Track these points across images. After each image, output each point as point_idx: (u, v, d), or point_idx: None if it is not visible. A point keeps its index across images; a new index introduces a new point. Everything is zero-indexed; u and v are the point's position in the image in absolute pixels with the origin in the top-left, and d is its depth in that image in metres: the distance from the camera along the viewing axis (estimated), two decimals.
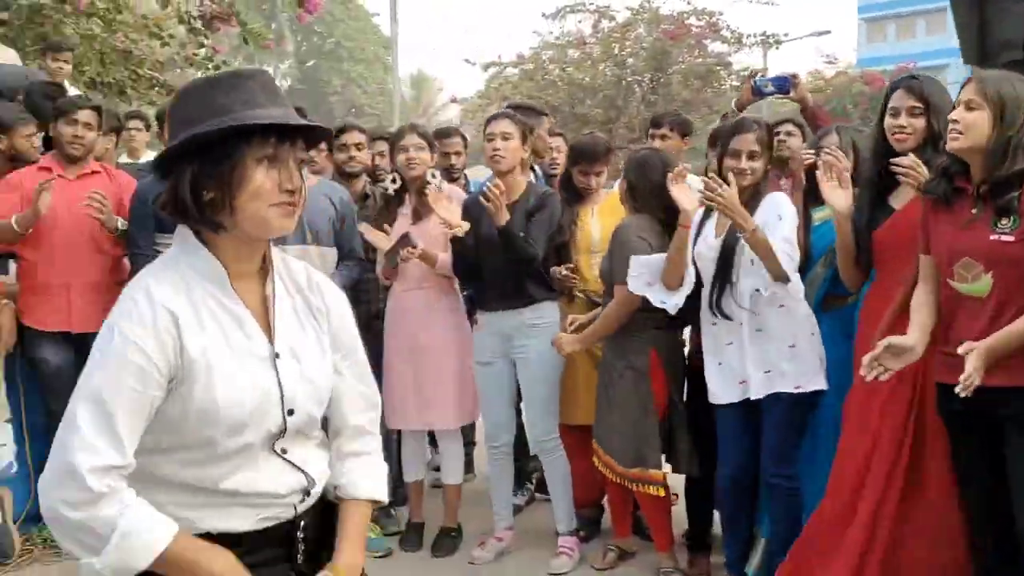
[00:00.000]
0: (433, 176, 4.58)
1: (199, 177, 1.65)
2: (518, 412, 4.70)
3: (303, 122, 1.69)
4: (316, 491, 1.83)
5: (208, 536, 1.67)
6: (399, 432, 4.69)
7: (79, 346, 4.54)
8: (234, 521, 1.70)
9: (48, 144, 4.86)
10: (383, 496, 1.94)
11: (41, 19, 7.88)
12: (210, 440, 1.65)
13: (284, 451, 1.77)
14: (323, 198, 4.34)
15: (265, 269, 1.79)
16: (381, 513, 4.83)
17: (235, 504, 1.70)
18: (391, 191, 4.76)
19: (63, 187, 4.57)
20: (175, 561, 1.58)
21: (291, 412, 1.74)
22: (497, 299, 4.38)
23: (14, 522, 4.58)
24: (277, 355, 1.73)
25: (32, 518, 4.62)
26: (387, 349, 4.61)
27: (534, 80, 18.76)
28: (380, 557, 4.43)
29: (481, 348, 4.47)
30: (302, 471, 1.79)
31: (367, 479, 1.92)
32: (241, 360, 1.68)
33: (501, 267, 4.28)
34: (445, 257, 4.45)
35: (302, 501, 1.80)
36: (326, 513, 1.88)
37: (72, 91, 7.23)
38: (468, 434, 5.25)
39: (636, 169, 4.15)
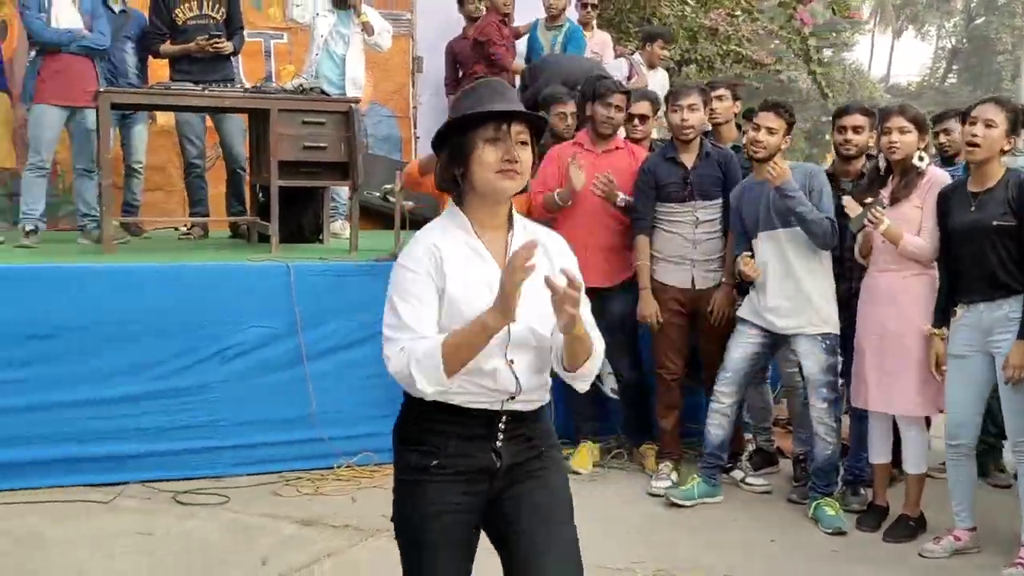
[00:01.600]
0: (920, 159, 4.46)
1: (450, 157, 2.27)
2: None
3: (510, 108, 2.22)
4: (521, 398, 2.29)
5: (429, 405, 2.24)
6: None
7: (590, 299, 5.28)
8: (458, 396, 2.24)
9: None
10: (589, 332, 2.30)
11: (643, 2, 8.83)
12: None
13: (512, 361, 2.25)
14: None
15: (509, 225, 2.35)
16: (848, 490, 4.90)
17: (466, 383, 2.22)
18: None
19: (590, 160, 5.29)
20: (457, 348, 2.14)
21: (514, 321, 2.17)
22: (977, 291, 4.16)
23: None
24: None
25: None
26: (857, 328, 4.62)
27: None
28: (831, 534, 4.51)
29: (956, 340, 4.28)
30: (515, 377, 2.26)
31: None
32: (480, 278, 2.24)
33: (980, 258, 4.07)
34: (914, 239, 4.33)
35: (509, 400, 2.28)
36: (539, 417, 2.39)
37: (658, 75, 8.10)
38: None
39: None
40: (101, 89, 5.59)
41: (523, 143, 2.25)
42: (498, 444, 2.31)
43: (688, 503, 4.81)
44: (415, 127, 8.61)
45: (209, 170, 7.14)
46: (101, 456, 4.87)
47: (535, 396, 2.36)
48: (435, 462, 2.28)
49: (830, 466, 4.72)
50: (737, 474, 5.21)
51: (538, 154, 2.36)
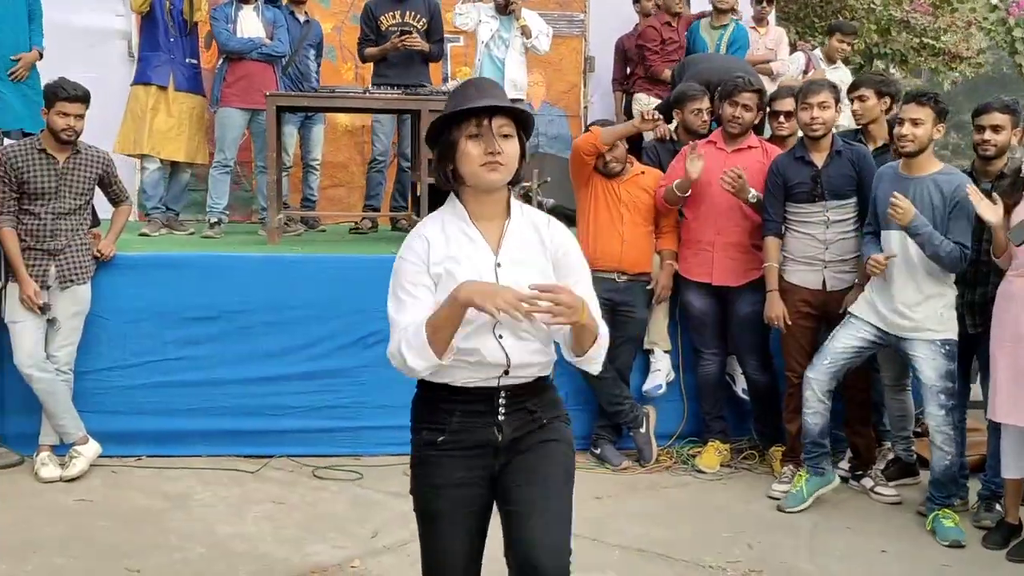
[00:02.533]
0: None
1: (440, 156, 2.44)
2: None
3: (485, 103, 2.35)
4: (514, 373, 2.43)
5: (435, 385, 2.44)
6: None
7: (718, 297, 5.30)
8: (458, 374, 2.42)
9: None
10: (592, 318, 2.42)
11: None
12: None
13: (500, 336, 2.40)
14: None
15: (507, 213, 2.49)
16: (982, 505, 4.67)
17: (461, 363, 2.39)
18: None
19: (720, 158, 5.28)
20: (438, 324, 2.30)
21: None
22: None
23: (671, 439, 5.60)
24: (499, 264, 2.42)
25: (680, 437, 5.60)
26: (992, 336, 4.40)
27: None
28: (948, 547, 4.33)
29: None
30: (505, 353, 2.40)
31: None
32: (473, 264, 2.40)
33: None
34: None
35: (504, 375, 2.42)
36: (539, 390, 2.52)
37: (838, 70, 7.88)
38: None
39: None
40: (267, 93, 6.08)
41: (506, 136, 2.38)
42: (499, 418, 2.46)
43: (798, 508, 4.73)
44: (585, 126, 8.72)
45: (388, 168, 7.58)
46: (253, 430, 5.34)
47: (531, 369, 2.48)
48: (441, 438, 2.46)
49: (948, 477, 4.52)
50: (867, 482, 5.06)
51: (524, 149, 2.46)
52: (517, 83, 6.89)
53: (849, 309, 4.75)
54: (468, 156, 2.37)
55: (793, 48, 8.64)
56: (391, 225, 7.35)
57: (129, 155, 6.71)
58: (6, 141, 5.41)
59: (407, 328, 2.36)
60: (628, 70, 7.90)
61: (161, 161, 6.66)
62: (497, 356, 2.41)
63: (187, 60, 6.58)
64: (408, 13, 6.86)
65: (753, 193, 5.10)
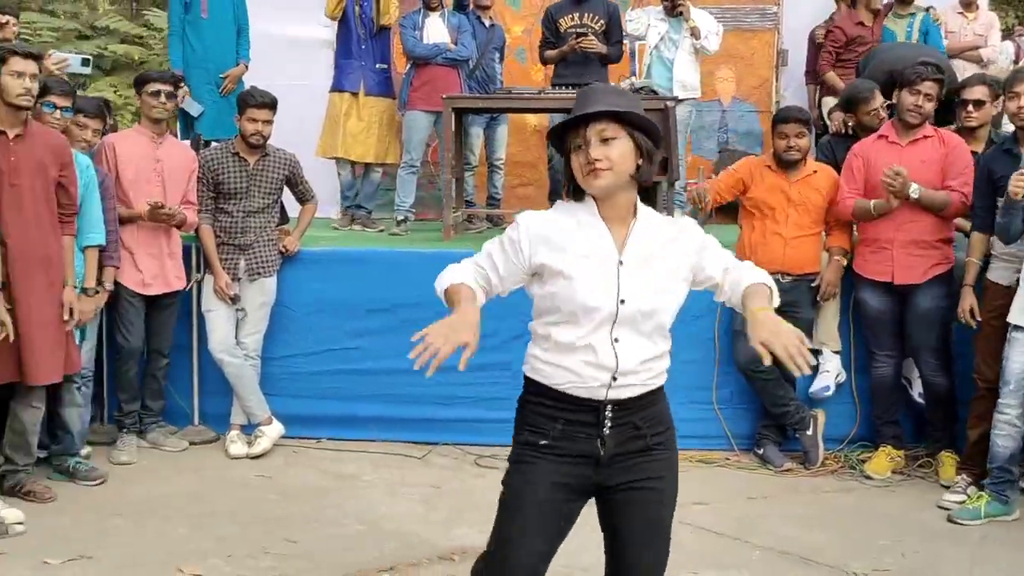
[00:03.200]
0: None
1: (564, 166, 2.50)
2: None
3: (581, 112, 2.39)
4: (624, 381, 2.43)
5: (542, 389, 2.49)
6: None
7: (897, 295, 5.06)
8: (562, 378, 2.45)
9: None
10: (768, 279, 2.50)
11: None
12: (572, 313, 2.42)
13: (616, 339, 2.41)
14: None
15: (634, 215, 2.49)
16: None
17: (569, 359, 2.43)
18: None
19: (893, 153, 5.02)
20: (450, 295, 2.52)
21: (623, 301, 2.39)
22: None
23: (843, 443, 5.41)
24: (621, 262, 2.43)
25: (851, 441, 5.40)
26: None
27: None
28: None
29: None
30: (616, 355, 2.41)
31: (747, 271, 2.53)
32: (598, 258, 2.43)
33: None
34: None
35: (612, 382, 2.43)
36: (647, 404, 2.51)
37: None
38: None
39: None
40: (444, 96, 6.33)
41: (607, 140, 2.37)
42: (604, 432, 2.47)
43: (972, 522, 4.46)
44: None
45: None
46: (422, 418, 5.59)
47: (640, 380, 2.47)
48: (544, 442, 2.50)
49: None
50: None
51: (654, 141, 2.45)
52: (687, 84, 6.86)
53: (1009, 318, 4.44)
54: (575, 167, 2.42)
55: (1009, 34, 8.08)
56: None
57: (328, 158, 7.15)
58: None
59: (465, 267, 2.57)
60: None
61: (352, 163, 7.06)
62: (607, 358, 2.42)
63: (377, 65, 6.94)
64: (587, 15, 6.95)
65: (914, 187, 4.84)
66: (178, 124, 7.14)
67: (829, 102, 7.09)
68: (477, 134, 7.44)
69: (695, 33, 6.74)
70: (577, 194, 2.47)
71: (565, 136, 2.44)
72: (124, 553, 4.01)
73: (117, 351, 5.37)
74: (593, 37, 6.82)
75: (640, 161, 2.41)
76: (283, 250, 5.59)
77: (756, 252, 5.14)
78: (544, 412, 2.50)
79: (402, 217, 6.92)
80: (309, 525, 4.37)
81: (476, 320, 2.39)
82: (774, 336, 2.27)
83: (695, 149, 8.43)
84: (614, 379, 2.43)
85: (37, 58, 4.39)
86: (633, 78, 6.70)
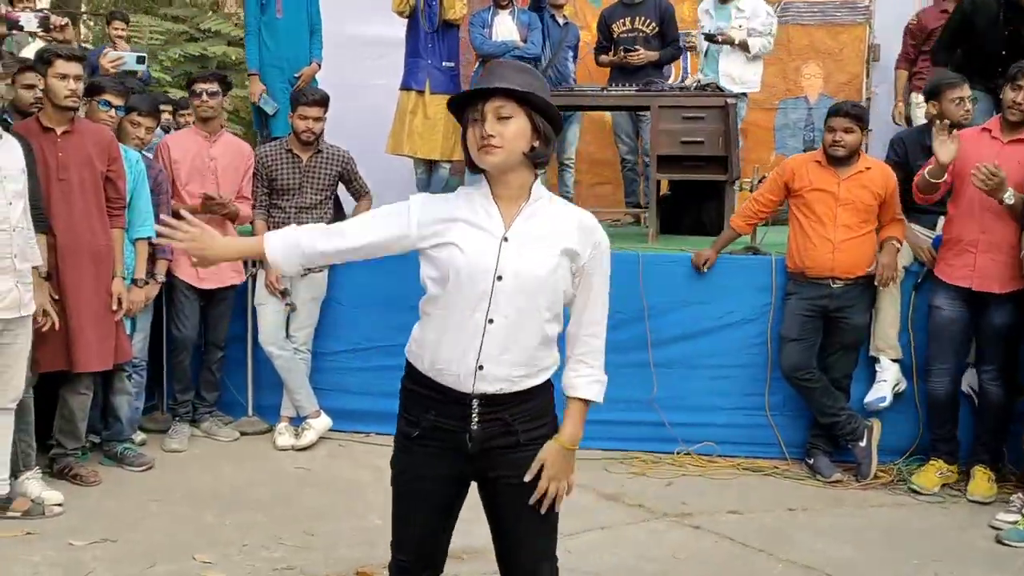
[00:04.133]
0: None
1: (464, 139, 2.46)
2: None
3: (479, 88, 2.38)
4: (493, 372, 2.39)
5: (415, 375, 2.48)
6: None
7: (973, 304, 4.79)
8: (429, 360, 2.44)
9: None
10: (597, 397, 2.49)
11: None
12: (451, 284, 2.39)
13: (491, 320, 2.37)
14: None
15: (527, 196, 2.45)
16: None
17: (441, 333, 2.41)
18: None
19: (993, 148, 4.70)
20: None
21: (500, 278, 2.37)
22: None
23: (903, 455, 5.16)
24: (506, 239, 2.40)
25: (912, 454, 5.14)
26: None
27: None
28: None
29: None
30: (483, 336, 2.37)
31: (585, 374, 2.50)
32: (484, 231, 2.41)
33: None
34: None
35: (478, 371, 2.38)
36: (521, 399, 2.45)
37: None
38: None
39: None
40: None
41: (504, 118, 2.34)
42: (472, 427, 2.43)
43: (1021, 544, 4.18)
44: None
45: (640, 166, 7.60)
46: None
47: (511, 377, 2.41)
48: (416, 433, 2.49)
49: None
50: None
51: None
52: (734, 76, 6.68)
53: None
54: (470, 141, 2.41)
55: None
56: (634, 220, 7.34)
57: (397, 155, 7.21)
58: None
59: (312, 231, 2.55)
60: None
61: (428, 161, 7.11)
62: (474, 343, 2.38)
63: (444, 63, 6.95)
64: (639, 19, 6.94)
65: (1010, 193, 4.50)
66: (253, 121, 7.33)
67: (917, 97, 6.78)
68: None
69: (743, 47, 6.63)
70: (475, 168, 2.45)
71: (466, 107, 2.42)
72: (148, 538, 4.13)
73: (171, 342, 5.54)
74: (641, 50, 6.75)
75: (536, 143, 2.38)
76: None
77: (804, 258, 4.94)
78: (418, 401, 2.49)
79: None
80: (331, 518, 4.42)
81: (219, 240, 2.71)
82: (553, 479, 2.44)
83: (779, 148, 8.20)
84: (480, 368, 2.38)
85: (80, 59, 4.57)
86: (700, 75, 6.54)
